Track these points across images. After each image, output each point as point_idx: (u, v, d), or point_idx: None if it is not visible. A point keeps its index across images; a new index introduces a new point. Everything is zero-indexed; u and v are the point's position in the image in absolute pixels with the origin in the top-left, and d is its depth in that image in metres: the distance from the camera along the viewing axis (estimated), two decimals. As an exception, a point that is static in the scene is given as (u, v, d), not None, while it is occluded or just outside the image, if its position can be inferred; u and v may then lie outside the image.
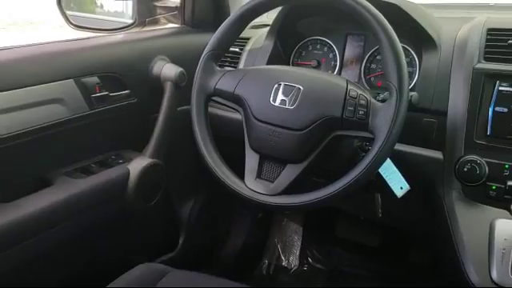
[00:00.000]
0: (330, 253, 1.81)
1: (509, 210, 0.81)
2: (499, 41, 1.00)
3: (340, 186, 0.87)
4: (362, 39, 1.25)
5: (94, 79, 1.12)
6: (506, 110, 0.96)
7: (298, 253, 1.82)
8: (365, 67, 1.23)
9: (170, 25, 1.50)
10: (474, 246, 0.91)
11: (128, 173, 1.13)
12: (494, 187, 0.96)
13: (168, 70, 1.22)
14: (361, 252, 1.79)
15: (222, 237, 1.77)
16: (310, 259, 1.82)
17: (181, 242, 1.50)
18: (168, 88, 1.22)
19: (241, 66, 1.31)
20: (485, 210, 0.96)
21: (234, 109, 1.01)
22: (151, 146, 1.20)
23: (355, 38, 1.26)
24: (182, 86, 1.23)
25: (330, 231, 1.85)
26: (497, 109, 0.97)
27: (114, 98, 1.16)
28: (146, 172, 1.14)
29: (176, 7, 1.48)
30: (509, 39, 0.99)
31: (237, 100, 0.99)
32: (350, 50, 1.26)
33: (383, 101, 0.90)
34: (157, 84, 1.23)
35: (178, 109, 1.28)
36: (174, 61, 1.27)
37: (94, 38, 1.27)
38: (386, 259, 1.75)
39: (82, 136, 1.11)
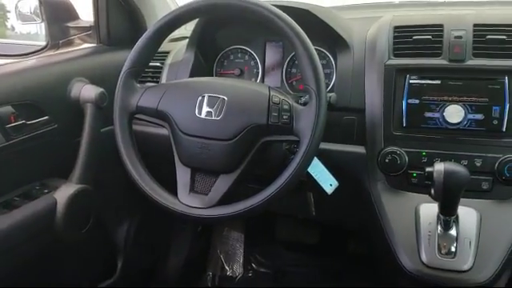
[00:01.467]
0: (273, 255, 1.84)
1: (430, 194, 0.86)
2: (405, 37, 1.07)
3: (273, 190, 0.88)
4: (281, 45, 1.28)
5: (8, 109, 1.06)
6: (417, 101, 1.03)
7: (241, 260, 1.83)
8: (286, 72, 1.26)
9: (86, 45, 1.46)
10: (402, 232, 0.97)
11: (55, 202, 1.08)
12: (414, 174, 1.02)
13: (87, 91, 1.19)
14: (302, 250, 1.83)
15: (162, 255, 1.73)
16: (253, 265, 1.83)
17: (119, 266, 1.45)
18: (89, 110, 1.18)
19: (163, 80, 1.30)
20: (409, 196, 1.02)
21: (159, 125, 1.00)
22: (77, 172, 1.15)
23: (274, 44, 1.29)
24: (104, 107, 1.19)
25: (271, 234, 1.88)
26: (409, 101, 1.04)
27: (32, 126, 1.10)
28: (74, 199, 1.09)
29: (90, 26, 1.44)
30: (414, 35, 1.06)
31: (161, 116, 0.98)
32: (270, 57, 1.29)
33: (305, 104, 0.93)
34: (77, 107, 1.19)
35: (102, 130, 1.24)
36: (93, 81, 1.23)
37: (3, 65, 1.20)
38: (327, 254, 1.80)
39: (1, 169, 1.04)
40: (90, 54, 1.38)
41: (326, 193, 1.06)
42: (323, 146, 1.02)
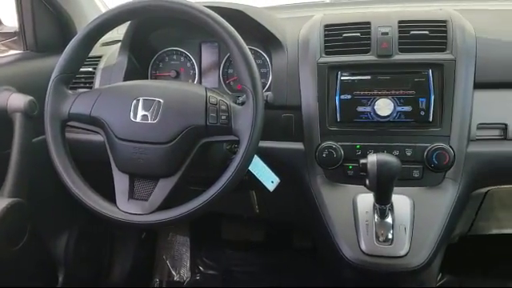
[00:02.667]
0: (220, 256, 1.84)
1: (365, 185, 0.90)
2: (335, 35, 1.11)
3: (214, 191, 0.89)
4: (216, 46, 1.28)
5: None
6: (349, 96, 1.07)
7: (188, 264, 1.81)
8: (223, 73, 1.27)
9: (12, 52, 1.38)
10: (341, 223, 1.01)
11: (-15, 218, 1.01)
12: (350, 167, 1.06)
13: (15, 100, 1.13)
14: (249, 249, 1.85)
15: (106, 265, 1.68)
16: (201, 267, 1.82)
17: (60, 280, 1.40)
18: (18, 119, 1.12)
19: (96, 85, 1.26)
20: (346, 188, 1.06)
21: (94, 131, 0.97)
22: (9, 185, 1.09)
23: (209, 45, 1.29)
24: (34, 116, 1.14)
25: (217, 235, 1.88)
26: (342, 97, 1.07)
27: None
28: (5, 214, 1.03)
29: (15, 32, 1.37)
30: (343, 33, 1.10)
31: (95, 122, 0.95)
32: (207, 58, 1.29)
33: (242, 104, 0.94)
34: (4, 117, 1.13)
35: (34, 140, 1.18)
36: (21, 89, 1.17)
37: None
38: (273, 251, 1.83)
39: None
40: (16, 61, 1.31)
41: (268, 190, 1.07)
42: (263, 144, 1.03)
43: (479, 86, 1.05)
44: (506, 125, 1.04)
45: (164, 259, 1.83)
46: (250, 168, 0.97)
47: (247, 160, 0.88)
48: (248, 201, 1.20)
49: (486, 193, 1.13)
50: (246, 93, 0.91)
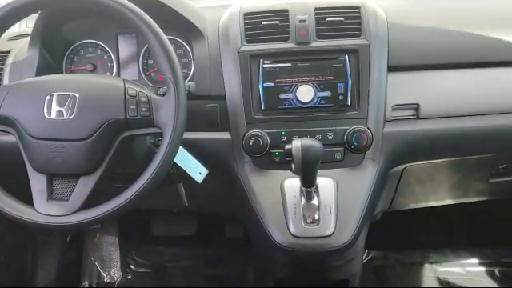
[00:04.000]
0: (152, 253, 1.80)
1: (291, 169, 0.92)
2: (255, 23, 1.11)
3: (139, 186, 0.86)
4: (134, 37, 1.24)
5: None
6: (272, 84, 1.08)
7: (118, 264, 1.76)
8: (142, 64, 1.23)
9: None
10: (271, 208, 1.02)
11: None
12: (277, 153, 1.08)
13: None
14: (181, 243, 1.83)
15: (29, 272, 1.59)
16: (132, 266, 1.78)
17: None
18: None
19: (5, 82, 1.17)
20: (274, 174, 1.08)
21: (4, 131, 0.90)
22: None
23: (127, 36, 1.24)
24: None
25: (147, 232, 1.84)
26: (265, 84, 1.08)
27: None
28: None
29: None
30: (262, 21, 1.11)
31: (5, 121, 0.89)
32: (124, 49, 1.24)
33: (164, 94, 0.92)
34: None
35: None
36: None
37: None
38: (206, 243, 1.82)
39: None
40: None
41: (196, 182, 1.06)
42: (189, 135, 1.02)
43: (392, 69, 1.10)
44: (418, 105, 1.11)
45: (92, 261, 1.76)
46: (176, 161, 0.96)
47: (172, 152, 0.87)
48: (176, 194, 1.18)
49: (403, 170, 1.20)
50: (166, 83, 0.89)
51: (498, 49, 1.14)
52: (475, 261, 1.84)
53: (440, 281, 1.76)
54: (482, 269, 1.81)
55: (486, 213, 1.67)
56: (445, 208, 1.47)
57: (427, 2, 1.30)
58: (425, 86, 1.13)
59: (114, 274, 1.75)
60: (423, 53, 1.13)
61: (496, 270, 1.80)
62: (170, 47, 0.88)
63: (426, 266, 1.82)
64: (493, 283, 1.75)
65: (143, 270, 1.78)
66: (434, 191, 1.40)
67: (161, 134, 0.88)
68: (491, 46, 1.15)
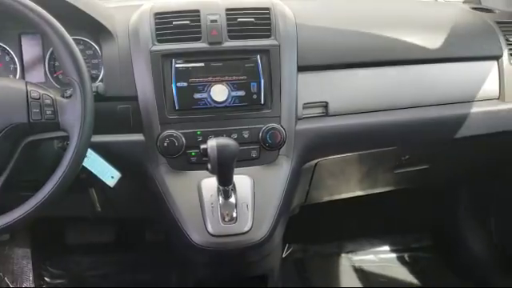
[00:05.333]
0: (68, 263, 1.72)
1: (207, 169, 0.93)
2: (166, 23, 1.10)
3: (45, 193, 0.83)
4: (38, 37, 1.17)
5: None
6: (185, 84, 1.08)
7: (31, 277, 1.65)
8: (49, 66, 1.17)
9: None
10: (188, 209, 1.02)
11: None
12: (193, 154, 1.08)
13: None
14: (100, 251, 1.76)
15: None
16: (46, 278, 1.68)
17: None
18: None
19: None
20: (191, 175, 1.08)
21: None
22: None
23: (30, 37, 1.17)
24: None
25: (61, 242, 1.75)
26: (178, 84, 1.08)
27: None
28: None
29: None
30: (173, 21, 1.10)
31: None
32: (29, 50, 1.17)
33: (70, 97, 0.88)
34: None
35: None
36: None
37: None
38: (126, 248, 1.77)
39: None
40: None
41: (109, 186, 1.03)
42: (99, 138, 0.99)
43: (302, 68, 1.14)
44: (326, 103, 1.17)
45: (1, 276, 1.64)
46: (85, 164, 0.93)
47: (80, 156, 0.84)
48: (89, 200, 1.14)
49: (316, 165, 1.25)
50: (72, 85, 0.86)
51: (398, 48, 1.23)
52: (387, 248, 1.96)
53: (355, 269, 1.86)
54: (394, 255, 1.94)
55: (395, 202, 1.78)
56: (359, 199, 1.56)
57: (334, 5, 1.37)
58: (333, 85, 1.18)
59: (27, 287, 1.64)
60: (330, 53, 1.19)
61: (406, 255, 1.94)
62: (75, 47, 0.85)
63: (343, 255, 1.92)
64: (403, 267, 1.88)
65: (59, 281, 1.69)
66: (346, 184, 1.47)
67: (68, 138, 0.85)
68: (391, 46, 1.23)
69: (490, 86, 1.29)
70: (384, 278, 1.82)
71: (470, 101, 1.27)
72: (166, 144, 1.05)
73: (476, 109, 1.26)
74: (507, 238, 1.69)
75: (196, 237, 0.99)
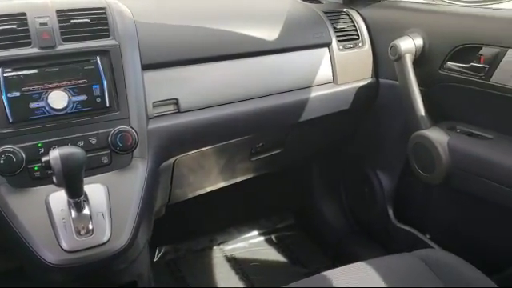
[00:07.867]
0: None
1: (53, 182, 0.86)
2: None
3: None
4: None
5: None
6: (18, 93, 0.99)
7: None
8: None
9: None
10: (37, 228, 0.94)
11: None
12: (36, 168, 0.99)
13: None
14: None
15: None
16: None
17: None
18: None
19: None
20: (36, 191, 0.99)
21: None
22: None
23: None
24: None
25: None
26: (9, 95, 0.98)
27: None
28: None
29: None
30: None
31: None
32: None
33: None
34: None
35: None
36: None
37: None
38: None
39: None
40: None
41: None
42: None
43: (147, 67, 1.12)
44: (177, 99, 1.16)
45: None
46: None
47: None
48: None
49: (174, 162, 1.25)
50: None
51: (239, 41, 1.28)
52: (255, 233, 2.05)
53: (228, 259, 1.90)
54: (262, 238, 2.03)
55: (258, 188, 1.86)
56: (224, 190, 1.59)
57: (171, 2, 1.37)
58: (182, 81, 1.19)
59: None
60: (174, 50, 1.19)
61: (273, 236, 2.04)
62: None
63: (215, 248, 1.95)
64: (271, 248, 1.98)
65: None
66: (207, 177, 1.49)
67: None
68: (233, 40, 1.27)
69: (325, 71, 1.41)
70: (256, 262, 1.89)
71: (309, 86, 1.38)
72: (2, 161, 0.94)
73: (315, 93, 1.38)
74: (355, 203, 1.88)
75: (49, 256, 0.92)
